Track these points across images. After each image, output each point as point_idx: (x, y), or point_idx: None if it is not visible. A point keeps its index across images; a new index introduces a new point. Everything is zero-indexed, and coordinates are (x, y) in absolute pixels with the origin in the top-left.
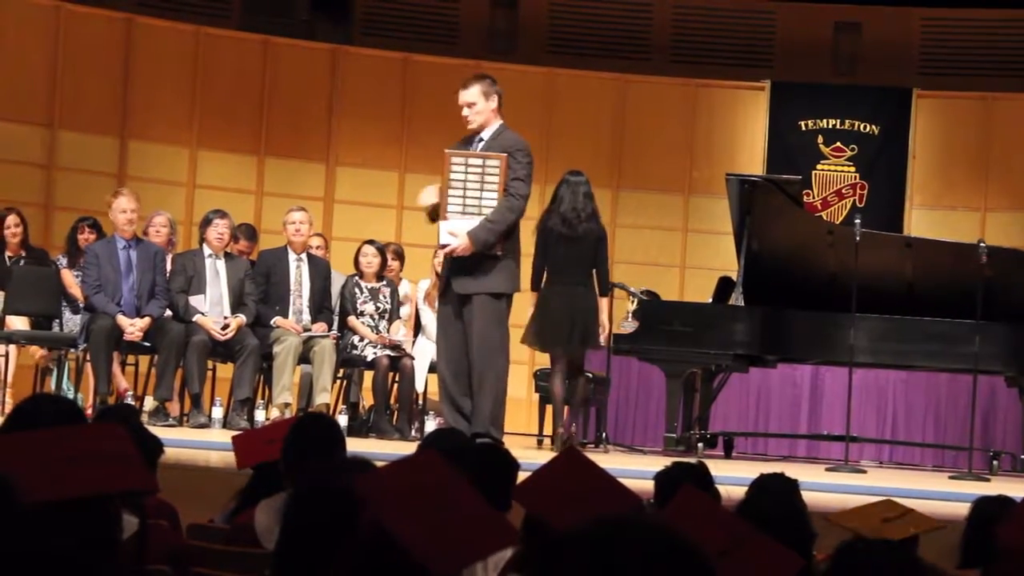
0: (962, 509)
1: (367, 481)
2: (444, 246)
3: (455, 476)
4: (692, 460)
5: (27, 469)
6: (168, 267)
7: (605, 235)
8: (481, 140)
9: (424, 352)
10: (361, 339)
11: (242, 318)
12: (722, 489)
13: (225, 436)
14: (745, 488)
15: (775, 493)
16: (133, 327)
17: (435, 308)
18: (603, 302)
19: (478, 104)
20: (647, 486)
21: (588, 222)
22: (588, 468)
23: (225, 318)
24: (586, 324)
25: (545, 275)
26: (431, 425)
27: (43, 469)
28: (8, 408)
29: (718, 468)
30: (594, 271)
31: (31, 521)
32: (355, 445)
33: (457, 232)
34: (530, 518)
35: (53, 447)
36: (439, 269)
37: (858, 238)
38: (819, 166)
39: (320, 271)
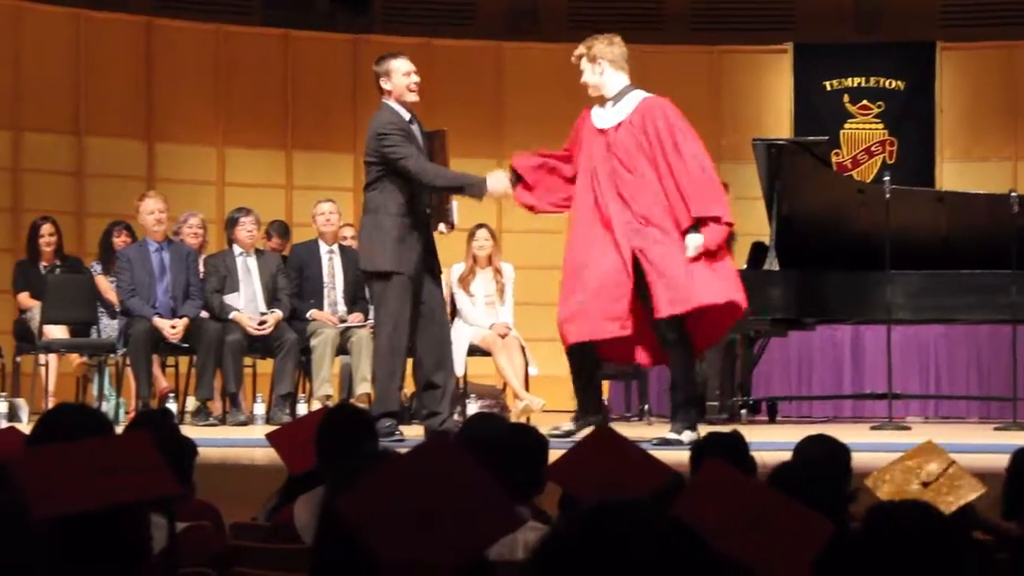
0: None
1: (345, 500)
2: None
3: (449, 468)
4: (727, 429)
5: (51, 482)
6: (200, 268)
7: None
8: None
9: (461, 335)
10: None
11: (279, 313)
12: (765, 455)
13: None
14: (788, 453)
15: (811, 458)
16: (173, 329)
17: (470, 292)
18: None
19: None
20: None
21: None
22: (621, 445)
23: (262, 314)
24: None
25: None
26: (473, 408)
27: (67, 482)
28: None
29: (763, 434)
30: None
31: (37, 544)
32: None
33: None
34: (566, 497)
35: (77, 459)
36: (477, 252)
37: (888, 195)
38: (847, 125)
39: (353, 261)
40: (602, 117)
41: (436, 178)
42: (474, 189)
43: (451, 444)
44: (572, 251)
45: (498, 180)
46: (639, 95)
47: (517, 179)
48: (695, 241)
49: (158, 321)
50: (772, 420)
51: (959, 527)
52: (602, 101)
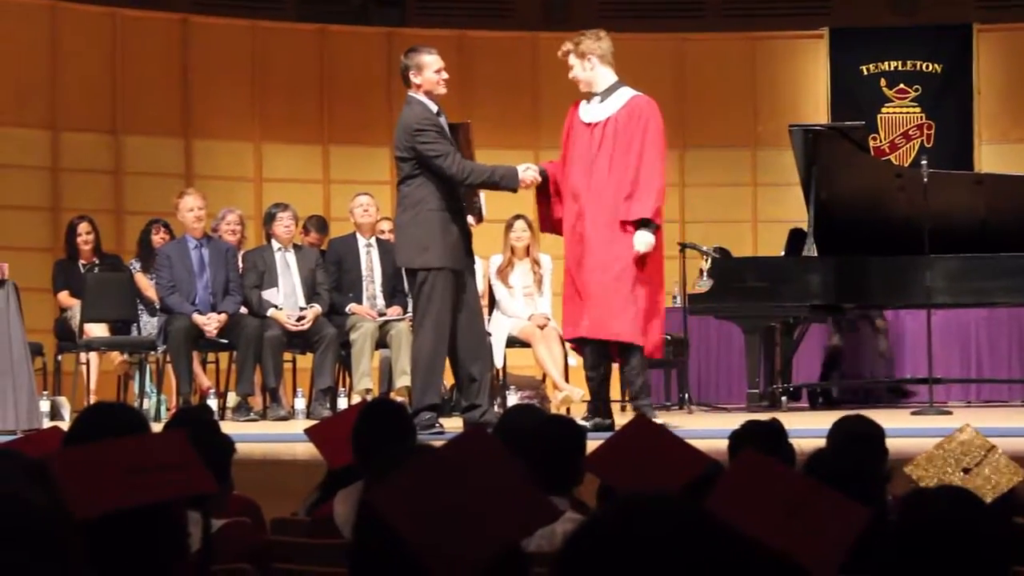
0: None
1: (379, 494)
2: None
3: (483, 460)
4: (765, 417)
5: (88, 481)
6: (239, 264)
7: None
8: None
9: (500, 327)
10: None
11: (318, 308)
12: (804, 442)
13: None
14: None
15: (846, 438)
16: (209, 322)
17: (508, 283)
18: None
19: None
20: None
21: None
22: (658, 433)
23: (301, 309)
24: None
25: None
26: (513, 399)
27: (104, 481)
28: None
29: (803, 421)
30: None
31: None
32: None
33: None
34: (604, 488)
35: (113, 458)
36: (515, 244)
37: (926, 179)
38: (884, 109)
39: (391, 255)
40: (590, 112)
41: (471, 176)
42: (508, 181)
43: (485, 436)
44: (566, 249)
45: (530, 170)
46: (628, 92)
47: (544, 182)
48: (645, 239)
49: (197, 318)
50: (813, 407)
51: (997, 513)
52: (589, 96)
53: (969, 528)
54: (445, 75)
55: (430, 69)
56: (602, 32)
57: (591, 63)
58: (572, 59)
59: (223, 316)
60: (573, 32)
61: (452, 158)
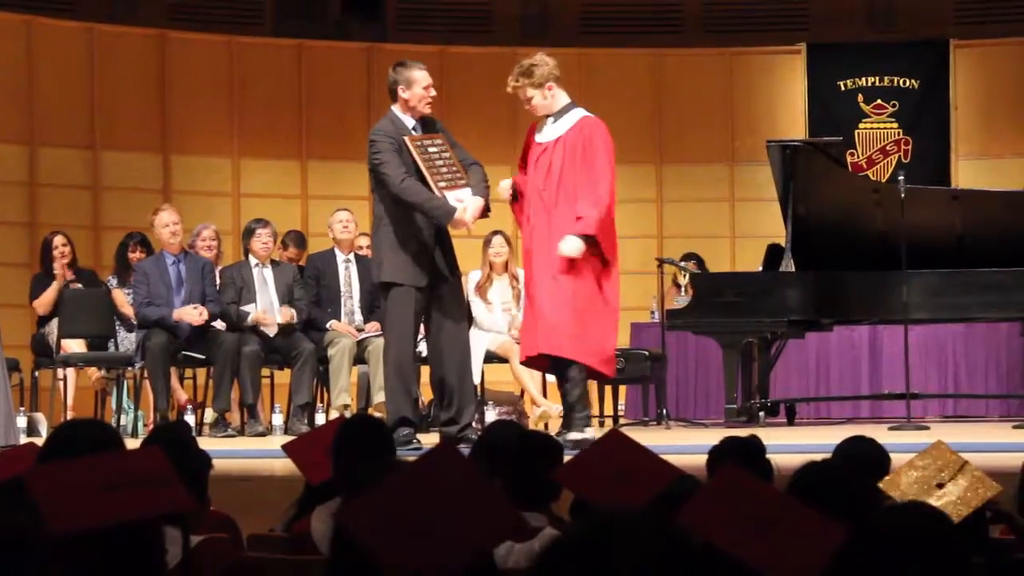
0: None
1: (350, 512)
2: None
3: (452, 475)
4: (744, 434)
5: (65, 498)
6: (217, 279)
7: None
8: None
9: (478, 343)
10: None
11: (292, 311)
12: (780, 458)
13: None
14: (805, 456)
15: (846, 458)
16: (194, 312)
17: (487, 299)
18: None
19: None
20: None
21: None
22: (631, 447)
23: (278, 324)
24: None
25: None
26: (491, 415)
27: (80, 498)
28: None
29: (781, 436)
30: None
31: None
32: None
33: (463, 198)
34: (578, 501)
35: (88, 475)
36: (494, 260)
37: (903, 194)
38: (862, 125)
39: (369, 270)
40: (543, 132)
41: (406, 191)
42: (437, 214)
43: (454, 451)
44: (527, 267)
45: (470, 208)
46: (579, 113)
47: (514, 196)
48: (571, 244)
49: (180, 312)
50: (791, 422)
51: (961, 530)
52: (545, 116)
53: (932, 545)
54: (433, 92)
55: (419, 85)
56: (540, 55)
57: (552, 91)
58: (529, 91)
59: (207, 310)
60: (550, 48)
61: (394, 167)
